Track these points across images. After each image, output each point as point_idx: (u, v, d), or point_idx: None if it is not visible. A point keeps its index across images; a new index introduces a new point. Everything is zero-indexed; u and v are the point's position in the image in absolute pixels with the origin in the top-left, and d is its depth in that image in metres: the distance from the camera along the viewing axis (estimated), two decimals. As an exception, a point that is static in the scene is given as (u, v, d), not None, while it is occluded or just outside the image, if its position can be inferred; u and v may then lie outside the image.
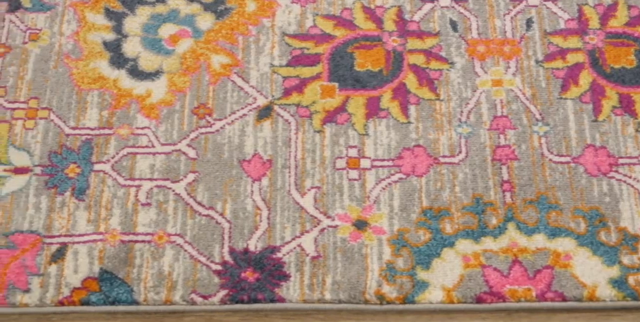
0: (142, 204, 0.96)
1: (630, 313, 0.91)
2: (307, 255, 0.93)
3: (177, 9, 1.09)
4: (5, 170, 0.98)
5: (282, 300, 0.91)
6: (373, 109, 1.01)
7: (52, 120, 1.01)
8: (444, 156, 0.99)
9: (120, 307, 0.91)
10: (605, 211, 0.95)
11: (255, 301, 0.91)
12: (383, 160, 0.98)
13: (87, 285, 0.92)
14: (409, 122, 1.01)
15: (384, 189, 0.97)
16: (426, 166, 0.98)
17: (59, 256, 0.93)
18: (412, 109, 1.02)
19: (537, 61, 1.04)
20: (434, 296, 0.91)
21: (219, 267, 0.93)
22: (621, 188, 0.97)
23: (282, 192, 0.97)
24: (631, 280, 0.91)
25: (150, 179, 0.98)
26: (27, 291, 0.91)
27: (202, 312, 0.92)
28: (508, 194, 0.96)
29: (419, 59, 1.05)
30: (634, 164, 0.98)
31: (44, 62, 1.05)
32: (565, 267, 0.92)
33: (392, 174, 0.98)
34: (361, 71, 1.04)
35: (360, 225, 0.95)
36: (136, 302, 0.91)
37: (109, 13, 1.09)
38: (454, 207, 0.96)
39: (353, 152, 0.99)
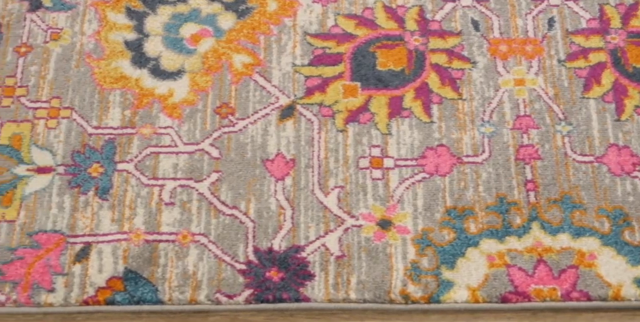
0: (166, 204, 0.96)
1: (656, 313, 0.91)
2: (332, 254, 0.93)
3: (198, 9, 1.08)
4: (28, 169, 0.98)
5: (307, 299, 0.91)
6: (396, 109, 1.01)
7: (74, 119, 1.01)
8: (467, 156, 0.99)
9: (145, 307, 0.91)
10: (629, 211, 0.95)
11: (280, 300, 0.91)
12: (406, 159, 0.98)
13: (111, 284, 0.92)
14: (432, 122, 1.01)
15: (407, 188, 0.97)
16: (449, 166, 0.98)
17: (83, 255, 0.93)
18: (435, 109, 1.01)
19: (559, 61, 1.04)
20: (459, 295, 0.91)
21: (243, 267, 0.93)
22: (645, 187, 0.97)
23: (305, 191, 0.97)
24: (656, 279, 0.91)
25: (174, 179, 0.98)
26: (52, 290, 0.91)
27: (226, 312, 0.92)
28: (532, 194, 0.96)
29: (441, 59, 1.05)
30: (658, 163, 0.98)
31: (65, 62, 1.05)
32: (590, 266, 0.92)
33: (416, 174, 0.98)
34: (383, 71, 1.04)
35: (384, 224, 0.95)
36: (161, 302, 0.91)
37: (130, 12, 1.09)
38: (478, 206, 0.96)
39: (376, 152, 0.99)
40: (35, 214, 0.96)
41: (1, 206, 0.96)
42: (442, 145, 0.99)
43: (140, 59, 1.05)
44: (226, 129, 1.00)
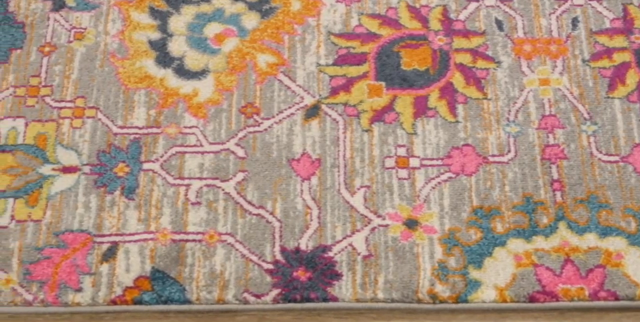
0: (192, 203, 0.96)
1: (684, 312, 0.91)
2: (359, 254, 0.93)
3: (222, 8, 1.08)
4: (53, 169, 0.98)
5: (334, 299, 0.91)
6: (421, 108, 1.01)
7: (99, 119, 1.01)
8: (493, 155, 0.99)
9: (173, 307, 0.91)
10: (655, 210, 0.96)
11: (308, 300, 0.91)
12: (432, 159, 0.98)
13: (139, 284, 0.92)
14: (457, 122, 1.01)
15: (433, 188, 0.97)
16: (475, 165, 0.98)
17: (110, 255, 0.93)
18: (460, 108, 1.01)
19: (583, 60, 1.04)
20: (486, 295, 0.91)
21: (270, 267, 0.93)
22: (671, 187, 0.97)
23: (331, 191, 0.97)
24: (684, 279, 0.91)
25: (200, 178, 0.97)
26: (79, 290, 0.91)
27: (254, 312, 0.91)
28: (558, 193, 0.96)
29: (465, 58, 1.05)
30: (683, 163, 0.98)
31: (89, 61, 1.05)
32: (617, 266, 0.92)
33: (442, 173, 0.98)
34: (408, 70, 1.04)
35: (411, 224, 0.95)
36: (189, 302, 0.91)
37: (154, 12, 1.09)
38: (505, 206, 0.96)
39: (402, 152, 0.99)
40: (62, 214, 0.96)
41: (27, 206, 0.96)
42: (467, 145, 0.99)
43: (164, 58, 1.05)
44: (251, 129, 1.00)
